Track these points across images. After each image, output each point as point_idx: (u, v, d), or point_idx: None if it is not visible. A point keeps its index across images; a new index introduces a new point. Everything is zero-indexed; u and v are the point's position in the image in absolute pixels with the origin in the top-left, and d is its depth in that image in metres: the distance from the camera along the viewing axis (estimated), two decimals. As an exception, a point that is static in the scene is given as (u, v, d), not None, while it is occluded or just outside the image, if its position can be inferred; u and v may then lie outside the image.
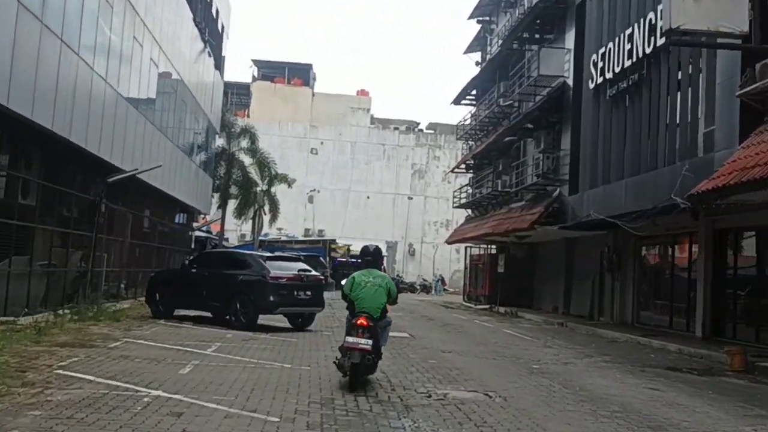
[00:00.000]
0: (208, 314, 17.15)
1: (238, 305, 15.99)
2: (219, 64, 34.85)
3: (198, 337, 13.90)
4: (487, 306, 32.79)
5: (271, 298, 15.81)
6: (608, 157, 20.58)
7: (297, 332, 16.21)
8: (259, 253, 18.05)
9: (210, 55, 32.19)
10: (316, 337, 15.40)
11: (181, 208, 30.78)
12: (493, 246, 35.90)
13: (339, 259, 51.23)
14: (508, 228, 27.27)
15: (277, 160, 46.88)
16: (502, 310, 30.47)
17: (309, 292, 16.47)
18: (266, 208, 46.15)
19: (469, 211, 40.54)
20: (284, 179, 46.41)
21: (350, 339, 8.80)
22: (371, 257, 9.78)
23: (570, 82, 24.54)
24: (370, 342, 8.74)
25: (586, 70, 22.27)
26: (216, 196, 40.37)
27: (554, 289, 29.61)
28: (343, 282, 9.64)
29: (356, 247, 53.51)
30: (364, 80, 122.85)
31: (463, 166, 39.93)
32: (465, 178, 47.48)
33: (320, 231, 58.78)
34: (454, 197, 40.88)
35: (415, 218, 62.61)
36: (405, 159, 63.54)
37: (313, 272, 17.15)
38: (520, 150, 29.39)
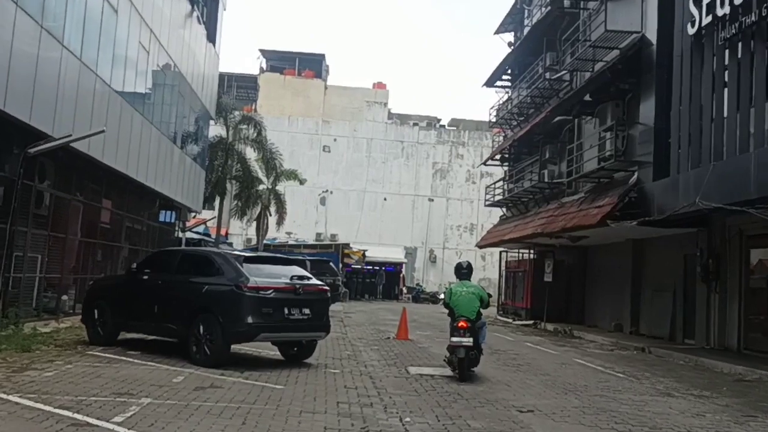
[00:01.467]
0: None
1: (201, 329, 10.74)
2: (213, 37, 29.61)
3: (124, 385, 8.65)
4: (530, 322, 27.24)
5: (249, 320, 10.57)
6: (721, 124, 15.07)
7: (288, 367, 10.95)
8: (234, 252, 12.74)
9: (200, 22, 27.03)
10: (317, 379, 10.06)
11: (163, 203, 25.56)
12: (532, 251, 30.34)
13: (352, 265, 45.80)
14: (565, 225, 21.67)
15: (286, 158, 42.10)
16: (550, 327, 25.02)
17: (307, 310, 11.19)
18: (272, 208, 41.29)
19: (504, 210, 35.04)
20: (293, 175, 41.50)
21: (455, 339, 10.58)
22: (466, 271, 11.58)
23: (651, 36, 19.02)
24: (471, 339, 10.55)
25: (680, 14, 16.79)
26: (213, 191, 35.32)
27: (616, 303, 24.00)
28: (442, 295, 9.86)
29: (372, 253, 48.30)
30: (380, 73, 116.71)
31: (497, 157, 34.33)
32: (491, 179, 42.13)
33: (333, 235, 53.37)
34: (487, 193, 35.28)
35: (436, 222, 56.95)
36: (425, 157, 57.89)
37: (314, 280, 11.78)
38: (574, 132, 23.87)
